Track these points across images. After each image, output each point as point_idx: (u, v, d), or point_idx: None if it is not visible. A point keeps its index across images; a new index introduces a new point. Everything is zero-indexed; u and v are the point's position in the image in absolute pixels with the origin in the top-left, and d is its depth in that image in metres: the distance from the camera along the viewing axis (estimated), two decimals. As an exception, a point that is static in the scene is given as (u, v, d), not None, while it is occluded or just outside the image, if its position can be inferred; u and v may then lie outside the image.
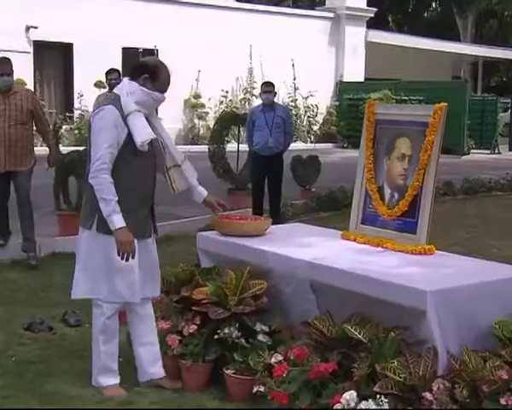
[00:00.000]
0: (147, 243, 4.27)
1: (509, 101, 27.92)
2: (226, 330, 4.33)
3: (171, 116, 18.02)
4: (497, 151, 24.51)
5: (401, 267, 4.27)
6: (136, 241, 4.10)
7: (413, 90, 23.76)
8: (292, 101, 24.68)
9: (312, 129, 25.44)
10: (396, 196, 4.82)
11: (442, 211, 10.70)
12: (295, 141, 23.21)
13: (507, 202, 12.94)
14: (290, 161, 11.67)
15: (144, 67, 4.15)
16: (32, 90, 12.57)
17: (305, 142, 24.65)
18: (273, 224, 5.37)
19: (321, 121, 25.68)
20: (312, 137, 25.29)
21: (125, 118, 4.02)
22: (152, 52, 21.44)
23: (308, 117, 25.36)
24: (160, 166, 4.33)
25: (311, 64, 24.33)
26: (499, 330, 3.90)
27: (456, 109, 22.07)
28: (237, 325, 4.36)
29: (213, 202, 4.63)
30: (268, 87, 9.16)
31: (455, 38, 35.04)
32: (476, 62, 35.02)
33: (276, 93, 9.31)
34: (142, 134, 4.05)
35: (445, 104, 4.64)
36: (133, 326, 4.40)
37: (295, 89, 24.77)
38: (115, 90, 4.19)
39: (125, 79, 4.16)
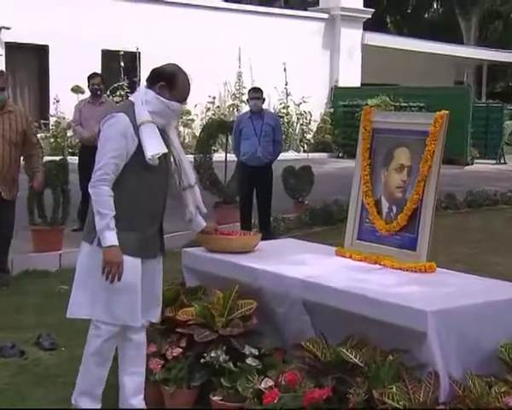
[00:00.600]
0: (152, 263, 4.22)
1: (515, 107, 28.09)
2: (213, 354, 4.33)
3: (154, 124, 18.02)
4: (502, 161, 24.64)
5: (400, 286, 4.29)
6: (139, 261, 4.09)
7: (413, 96, 23.87)
8: (283, 107, 24.75)
9: (305, 137, 25.51)
10: (394, 209, 4.85)
11: (444, 226, 10.74)
12: (287, 150, 23.31)
13: (513, 215, 13.00)
14: (282, 171, 11.70)
15: (161, 75, 4.11)
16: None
17: (298, 151, 24.71)
18: (263, 239, 5.38)
19: (314, 129, 25.75)
20: (305, 147, 25.35)
21: (136, 128, 4.00)
22: (134, 55, 21.52)
23: (301, 125, 25.43)
24: (173, 185, 4.31)
25: (304, 68, 24.43)
26: (505, 354, 3.92)
27: (458, 117, 22.17)
28: (225, 348, 4.36)
29: (210, 232, 4.82)
30: (256, 93, 9.20)
31: (457, 40, 35.27)
32: (480, 66, 35.24)
33: (264, 99, 9.34)
34: (153, 147, 4.02)
35: (447, 112, 4.68)
36: (123, 353, 4.32)
37: (287, 94, 24.85)
38: (131, 98, 4.19)
39: (142, 87, 4.16)
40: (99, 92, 9.89)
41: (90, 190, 4.03)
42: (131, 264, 4.07)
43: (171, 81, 4.08)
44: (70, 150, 18.73)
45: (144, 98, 4.06)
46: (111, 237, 3.97)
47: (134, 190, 4.06)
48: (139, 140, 4.00)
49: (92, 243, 4.07)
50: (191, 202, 4.40)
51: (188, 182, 4.35)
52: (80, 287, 4.17)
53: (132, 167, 4.03)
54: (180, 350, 4.49)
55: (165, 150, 4.10)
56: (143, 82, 4.25)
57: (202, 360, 4.36)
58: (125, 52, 21.22)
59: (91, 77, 9.98)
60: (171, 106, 4.09)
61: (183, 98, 4.15)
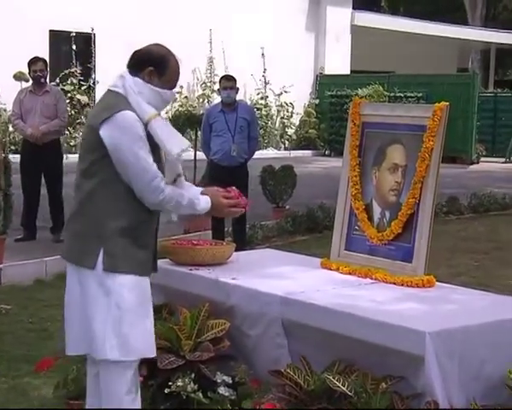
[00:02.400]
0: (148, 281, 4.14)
1: (527, 98, 28.26)
2: (179, 383, 4.33)
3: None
4: (512, 159, 24.86)
5: (394, 303, 4.32)
6: (147, 280, 4.01)
7: (410, 85, 24.03)
8: (261, 98, 24.81)
9: (286, 133, 25.58)
10: (387, 215, 4.88)
11: (445, 233, 10.83)
12: (266, 148, 23.38)
13: (525, 222, 13.10)
14: (260, 172, 11.73)
15: (148, 58, 4.01)
16: None
17: (278, 149, 24.77)
18: (237, 250, 5.40)
19: (297, 123, 25.83)
20: (286, 143, 25.42)
21: (144, 126, 3.91)
22: (88, 37, 21.45)
23: (281, 118, 25.50)
24: None
25: (285, 53, 24.49)
26: (514, 380, 3.96)
27: (462, 109, 22.47)
28: (193, 376, 4.36)
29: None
30: (229, 82, 9.20)
31: (461, 20, 35.50)
32: (487, 50, 35.51)
33: (238, 89, 9.34)
34: (178, 143, 3.99)
35: (447, 103, 4.72)
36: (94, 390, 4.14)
37: (266, 83, 24.91)
38: (116, 89, 4.02)
39: (127, 75, 4.01)
40: (42, 80, 9.88)
41: (157, 208, 3.96)
42: (140, 285, 3.96)
43: (160, 65, 4.00)
44: (13, 147, 18.59)
45: (136, 89, 3.96)
46: (203, 203, 4.09)
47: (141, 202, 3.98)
48: (150, 140, 3.92)
49: (95, 268, 3.89)
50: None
51: (175, 172, 4.19)
52: (77, 323, 3.98)
53: None
54: (141, 379, 4.47)
55: (188, 143, 4.12)
56: (123, 68, 4.05)
57: (167, 390, 4.35)
58: (77, 33, 21.15)
59: (32, 62, 9.96)
60: (164, 95, 4.02)
61: (174, 84, 4.09)
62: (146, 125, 3.90)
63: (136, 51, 4.08)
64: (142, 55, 4.05)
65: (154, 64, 3.99)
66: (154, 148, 3.96)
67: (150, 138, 3.92)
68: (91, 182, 3.92)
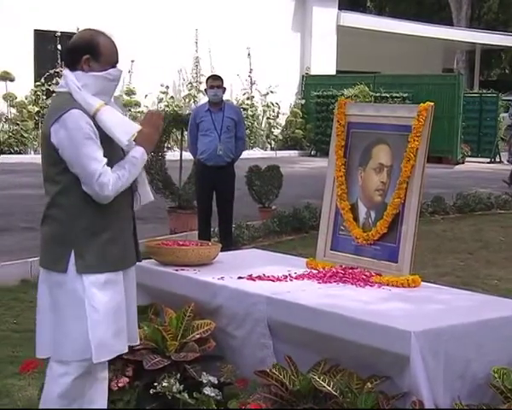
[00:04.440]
0: (129, 272, 4.08)
1: (512, 98, 28.39)
2: (165, 383, 4.33)
3: (97, 117, 17.93)
4: (497, 160, 24.91)
5: (379, 303, 4.33)
6: (121, 274, 3.96)
7: (395, 85, 24.07)
8: (247, 98, 24.81)
9: (273, 133, 25.58)
10: (373, 215, 4.89)
11: (430, 233, 10.84)
12: (252, 148, 23.39)
13: (510, 222, 13.14)
14: (246, 172, 11.73)
15: (79, 48, 3.99)
16: None
17: (264, 149, 24.78)
18: (223, 250, 5.40)
19: (283, 124, 25.84)
20: (273, 143, 25.43)
21: (92, 119, 3.85)
22: (73, 36, 21.34)
23: (267, 118, 25.51)
24: None
25: (271, 54, 24.50)
26: (499, 380, 3.96)
27: (447, 109, 22.54)
28: (179, 377, 4.36)
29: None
30: (216, 81, 9.20)
31: (446, 21, 35.61)
32: (473, 51, 35.64)
33: (225, 89, 9.35)
34: (126, 130, 3.92)
35: (432, 103, 4.74)
36: (82, 391, 4.07)
37: (252, 83, 24.91)
38: (59, 89, 4.01)
39: (67, 73, 3.99)
40: None
41: (103, 198, 3.82)
42: (114, 281, 3.93)
43: (93, 49, 3.97)
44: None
45: (78, 83, 3.92)
46: (138, 153, 3.92)
47: None
48: (100, 132, 3.87)
49: (66, 272, 3.86)
50: (141, 186, 4.14)
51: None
52: (52, 324, 3.96)
53: None
54: (127, 380, 4.47)
55: (138, 127, 4.01)
56: (63, 69, 4.10)
57: (153, 391, 4.34)
58: (62, 33, 21.05)
59: None
60: (110, 75, 3.98)
61: (115, 60, 4.03)
62: (93, 117, 3.85)
63: (66, 48, 4.07)
64: (73, 48, 4.03)
65: (87, 51, 3.96)
66: (107, 139, 3.89)
67: (101, 130, 3.87)
68: (55, 187, 3.90)
